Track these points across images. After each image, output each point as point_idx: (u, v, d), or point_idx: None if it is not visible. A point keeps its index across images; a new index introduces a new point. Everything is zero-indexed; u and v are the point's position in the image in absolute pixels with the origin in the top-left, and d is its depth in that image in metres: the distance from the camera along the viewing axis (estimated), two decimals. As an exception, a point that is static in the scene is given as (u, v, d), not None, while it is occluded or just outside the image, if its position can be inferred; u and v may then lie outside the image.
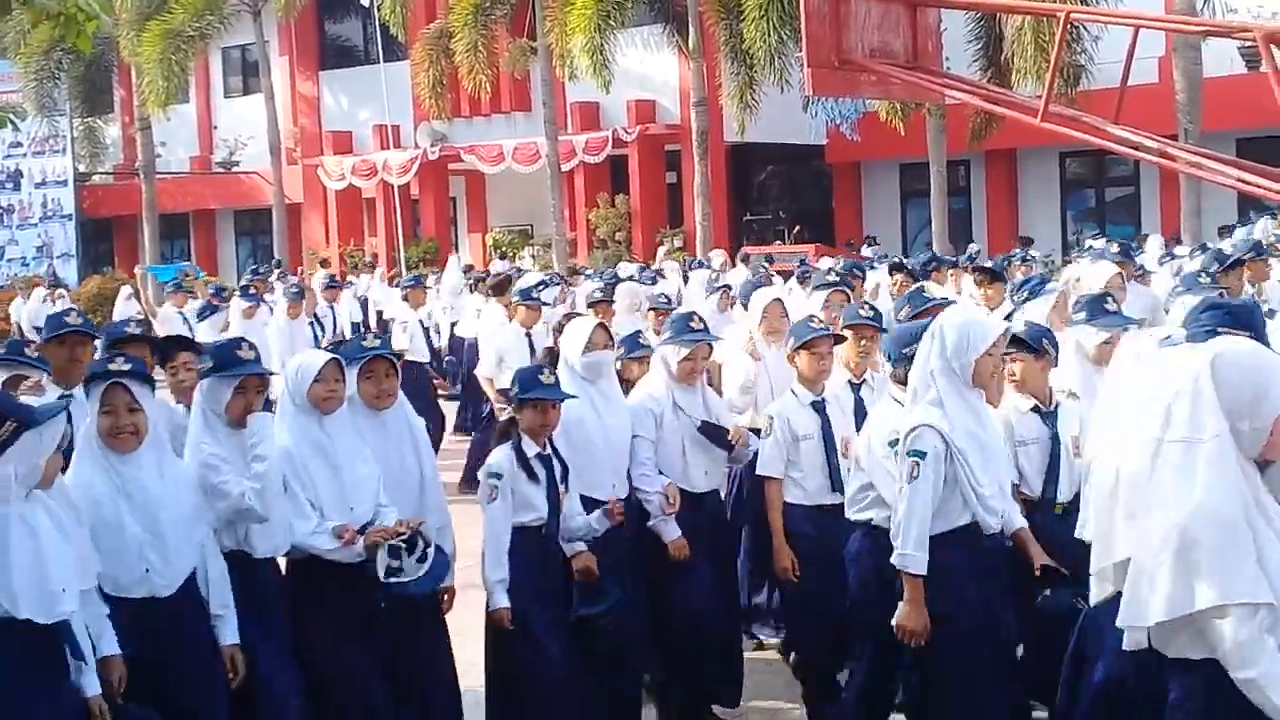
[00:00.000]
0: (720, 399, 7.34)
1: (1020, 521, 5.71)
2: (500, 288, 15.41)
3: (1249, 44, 18.36)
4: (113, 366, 5.18)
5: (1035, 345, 6.26)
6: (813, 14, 10.77)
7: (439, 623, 6.06)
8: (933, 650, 5.40)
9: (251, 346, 5.70)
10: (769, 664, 7.71)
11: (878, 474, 5.88)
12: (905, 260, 15.60)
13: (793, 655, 7.29)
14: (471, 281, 19.77)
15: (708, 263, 21.85)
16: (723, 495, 7.35)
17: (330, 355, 5.84)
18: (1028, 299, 8.37)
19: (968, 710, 5.41)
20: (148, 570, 5.11)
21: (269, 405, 6.07)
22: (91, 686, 4.66)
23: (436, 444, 10.96)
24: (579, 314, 8.23)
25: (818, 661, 6.90)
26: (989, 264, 13.55)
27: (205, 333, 14.64)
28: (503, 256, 30.66)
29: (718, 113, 28.94)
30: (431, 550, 5.62)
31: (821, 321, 7.08)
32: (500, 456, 6.06)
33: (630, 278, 16.76)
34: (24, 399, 6.46)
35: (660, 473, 6.74)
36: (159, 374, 6.57)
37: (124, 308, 24.80)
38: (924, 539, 5.33)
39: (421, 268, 28.65)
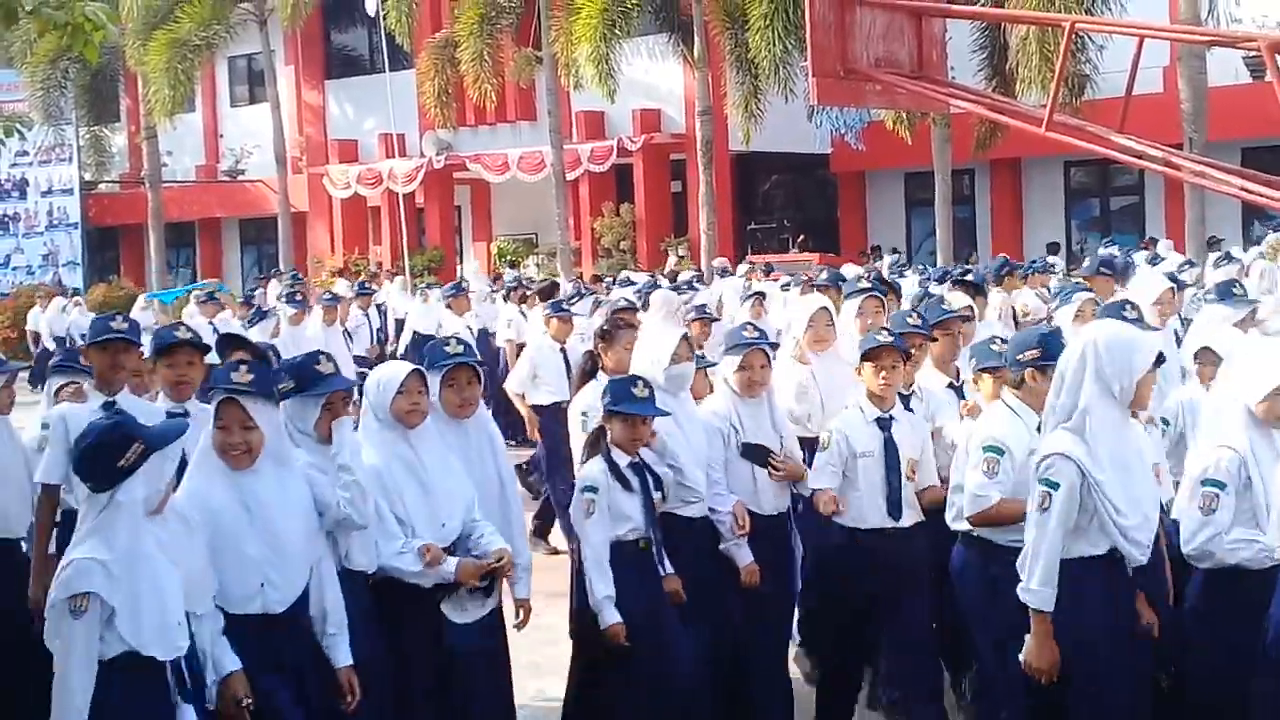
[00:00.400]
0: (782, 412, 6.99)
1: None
2: (547, 294, 15.33)
3: (1254, 54, 18.39)
4: (235, 376, 4.97)
5: None
6: (817, 23, 10.78)
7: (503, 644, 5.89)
8: (1063, 687, 5.10)
9: (330, 358, 5.53)
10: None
11: (966, 480, 5.65)
12: (957, 268, 15.35)
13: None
14: (504, 291, 19.53)
15: (722, 272, 21.77)
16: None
17: (412, 367, 5.62)
18: (1060, 307, 8.38)
19: None
20: (263, 585, 4.96)
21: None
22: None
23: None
24: (622, 319, 7.85)
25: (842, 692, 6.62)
26: (969, 277, 13.35)
27: (255, 339, 14.46)
28: (512, 265, 30.66)
29: (722, 122, 28.97)
30: (489, 603, 5.55)
31: (876, 331, 6.66)
32: (594, 469, 5.94)
33: (675, 287, 16.59)
34: (67, 405, 6.46)
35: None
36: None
37: (140, 317, 24.85)
38: (1051, 573, 4.99)
39: (426, 276, 28.65)
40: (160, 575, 4.35)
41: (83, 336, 24.72)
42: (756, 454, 6.51)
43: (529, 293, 18.11)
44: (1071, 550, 5.05)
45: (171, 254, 38.39)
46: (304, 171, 36.34)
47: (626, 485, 5.89)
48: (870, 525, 6.26)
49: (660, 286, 17.70)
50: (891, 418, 6.32)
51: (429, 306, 20.94)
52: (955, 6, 14.09)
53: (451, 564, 5.43)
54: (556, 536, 10.89)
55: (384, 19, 29.81)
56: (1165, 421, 6.54)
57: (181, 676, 4.45)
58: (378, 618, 5.42)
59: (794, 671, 7.08)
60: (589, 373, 7.27)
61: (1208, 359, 6.61)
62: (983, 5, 24.28)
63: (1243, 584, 5.21)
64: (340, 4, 35.32)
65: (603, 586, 5.83)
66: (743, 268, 22.08)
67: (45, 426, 6.48)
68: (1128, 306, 6.89)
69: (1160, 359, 5.14)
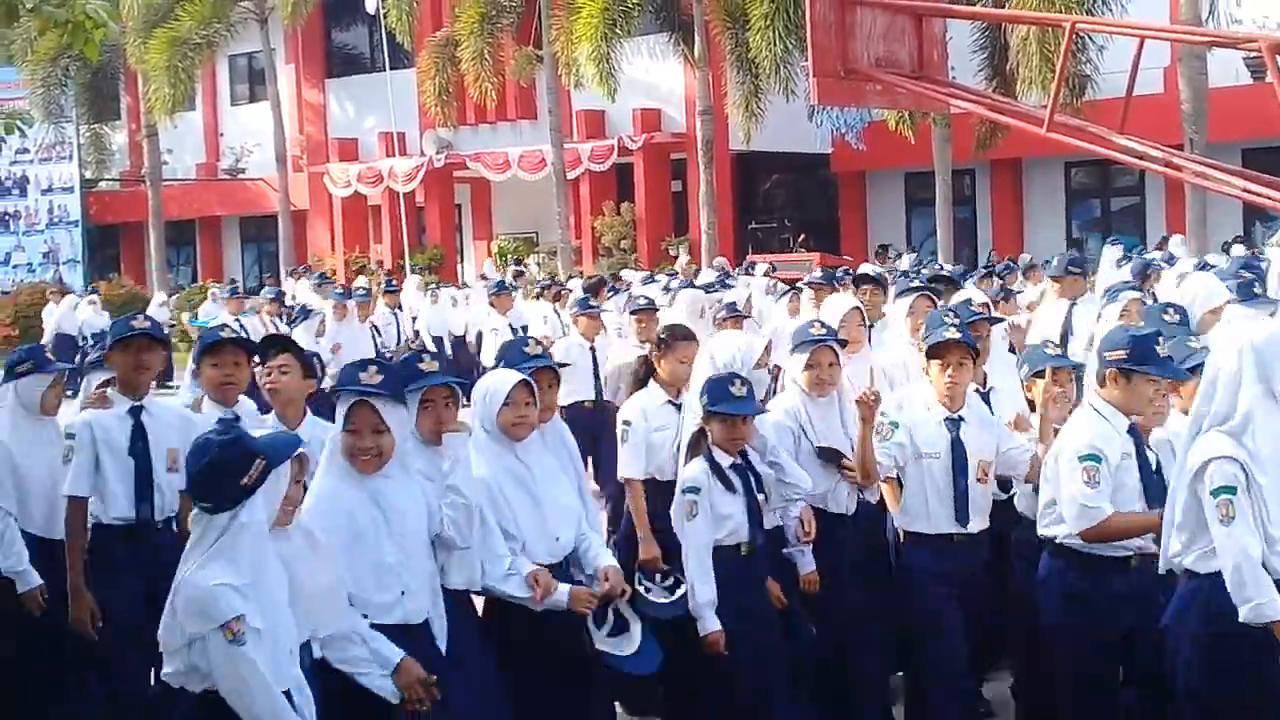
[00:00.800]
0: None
1: None
2: (594, 290, 15.25)
3: (1254, 55, 18.38)
4: (364, 377, 4.75)
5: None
6: (818, 23, 10.79)
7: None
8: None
9: (435, 357, 5.36)
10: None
11: (1062, 487, 5.36)
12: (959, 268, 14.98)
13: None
14: (539, 289, 19.39)
15: (748, 269, 21.66)
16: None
17: (520, 377, 5.31)
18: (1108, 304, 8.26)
19: None
20: (403, 593, 4.77)
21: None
22: None
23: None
24: (681, 328, 7.37)
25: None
26: (946, 272, 12.98)
27: (300, 337, 13.71)
28: (518, 263, 30.62)
29: (723, 121, 28.97)
30: (636, 630, 5.35)
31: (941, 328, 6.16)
32: (695, 470, 5.74)
33: (707, 286, 16.47)
34: (92, 412, 6.17)
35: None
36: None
37: (156, 313, 25.06)
38: (1259, 579, 4.61)
39: (427, 275, 28.66)
40: (280, 602, 4.08)
41: (98, 335, 24.86)
42: (831, 457, 6.32)
43: (564, 290, 18.10)
44: (1209, 565, 4.77)
45: (171, 252, 38.39)
46: (304, 170, 36.34)
47: (729, 486, 5.70)
48: (936, 530, 5.94)
49: (694, 285, 17.63)
50: (960, 418, 5.96)
51: (438, 306, 20.97)
52: (955, 7, 14.09)
53: (564, 592, 5.22)
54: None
55: (384, 17, 29.83)
56: None
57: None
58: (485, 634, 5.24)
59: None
60: (642, 379, 6.96)
61: None
62: (983, 5, 24.28)
63: None
64: (341, 2, 35.32)
65: (705, 591, 5.62)
66: (762, 266, 22.01)
67: (70, 435, 6.19)
68: (1169, 310, 6.69)
69: None
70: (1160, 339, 5.47)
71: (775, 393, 7.06)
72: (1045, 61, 23.14)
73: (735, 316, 10.94)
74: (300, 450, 4.12)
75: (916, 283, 9.68)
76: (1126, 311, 8.21)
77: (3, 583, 6.27)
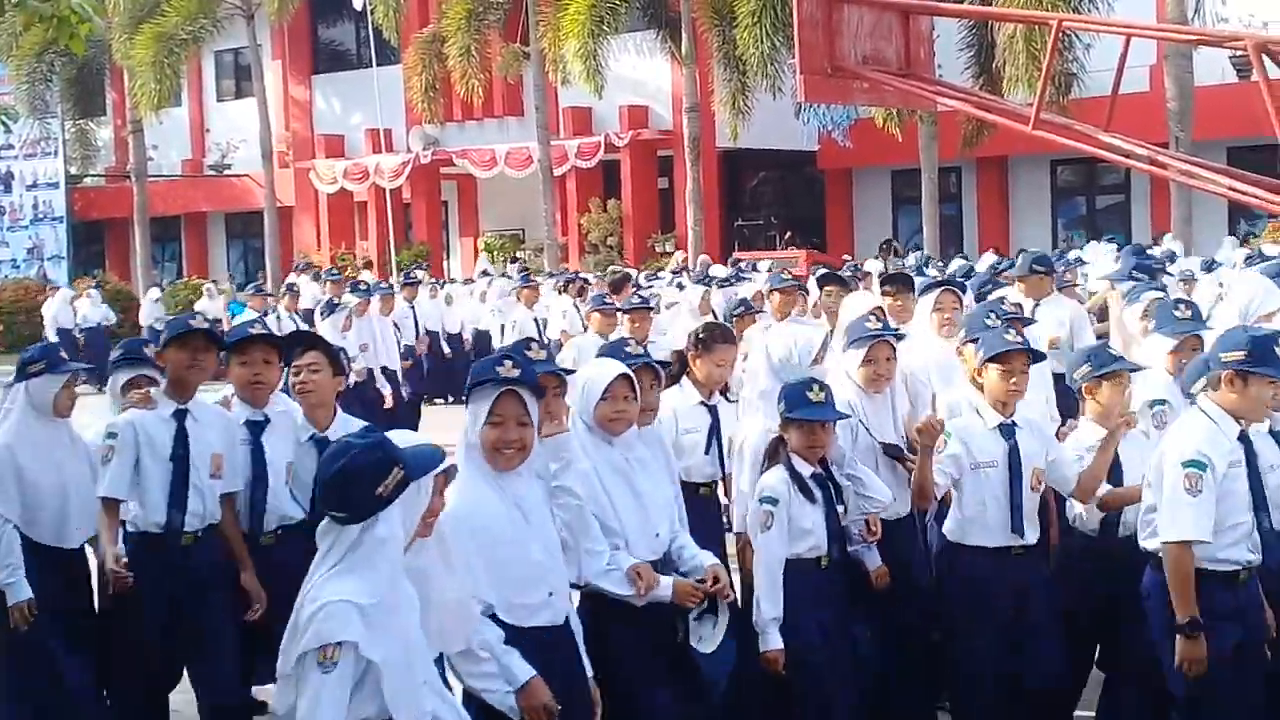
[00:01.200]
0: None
1: None
2: (617, 286, 15.20)
3: (1240, 53, 18.44)
4: (502, 370, 4.48)
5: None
6: (805, 21, 10.78)
7: None
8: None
9: (543, 346, 5.17)
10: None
11: (1165, 497, 5.12)
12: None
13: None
14: (560, 284, 19.33)
15: (751, 267, 21.67)
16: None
17: (620, 370, 5.09)
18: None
19: None
20: (551, 594, 4.57)
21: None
22: None
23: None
24: (722, 329, 7.15)
25: None
26: (901, 270, 12.66)
27: (326, 331, 13.65)
28: (513, 260, 30.53)
29: (710, 118, 28.98)
30: (721, 630, 5.12)
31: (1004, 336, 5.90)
32: (774, 479, 5.49)
33: (722, 280, 16.31)
34: (135, 413, 5.90)
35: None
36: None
37: (151, 310, 26.26)
38: None
39: (416, 273, 28.63)
40: (412, 625, 3.76)
41: (90, 330, 24.85)
42: (895, 454, 6.18)
43: (586, 285, 18.09)
44: None
45: (157, 248, 38.29)
46: (290, 166, 36.28)
47: (809, 497, 5.47)
48: (994, 544, 5.69)
49: (712, 279, 17.57)
50: (1015, 424, 5.75)
51: (436, 301, 20.98)
52: (942, 4, 14.10)
53: (667, 585, 5.02)
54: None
55: (371, 13, 29.80)
56: None
57: None
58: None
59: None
60: (674, 377, 6.61)
61: None
62: (970, 3, 24.33)
63: None
64: (328, -2, 35.32)
65: (770, 608, 5.41)
66: (765, 263, 22.02)
67: (111, 435, 5.89)
68: (1181, 306, 6.57)
69: None
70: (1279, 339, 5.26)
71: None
72: (1031, 59, 23.20)
73: (748, 312, 10.83)
74: (447, 464, 3.84)
75: (939, 277, 9.38)
76: (1148, 312, 7.90)
77: None
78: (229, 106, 38.73)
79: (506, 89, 32.06)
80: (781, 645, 5.38)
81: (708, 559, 5.21)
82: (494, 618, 4.41)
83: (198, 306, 26.48)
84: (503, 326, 19.31)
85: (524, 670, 4.33)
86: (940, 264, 20.14)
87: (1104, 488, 5.73)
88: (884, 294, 8.76)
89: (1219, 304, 8.65)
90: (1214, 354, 5.25)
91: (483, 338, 20.21)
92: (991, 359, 5.71)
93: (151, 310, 26.39)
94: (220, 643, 5.86)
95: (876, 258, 25.93)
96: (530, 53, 29.40)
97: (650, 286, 18.96)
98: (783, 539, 5.43)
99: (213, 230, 41.14)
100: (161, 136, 36.57)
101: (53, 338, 23.68)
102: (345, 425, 5.87)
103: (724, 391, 6.97)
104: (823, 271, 13.00)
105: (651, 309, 11.52)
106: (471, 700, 4.37)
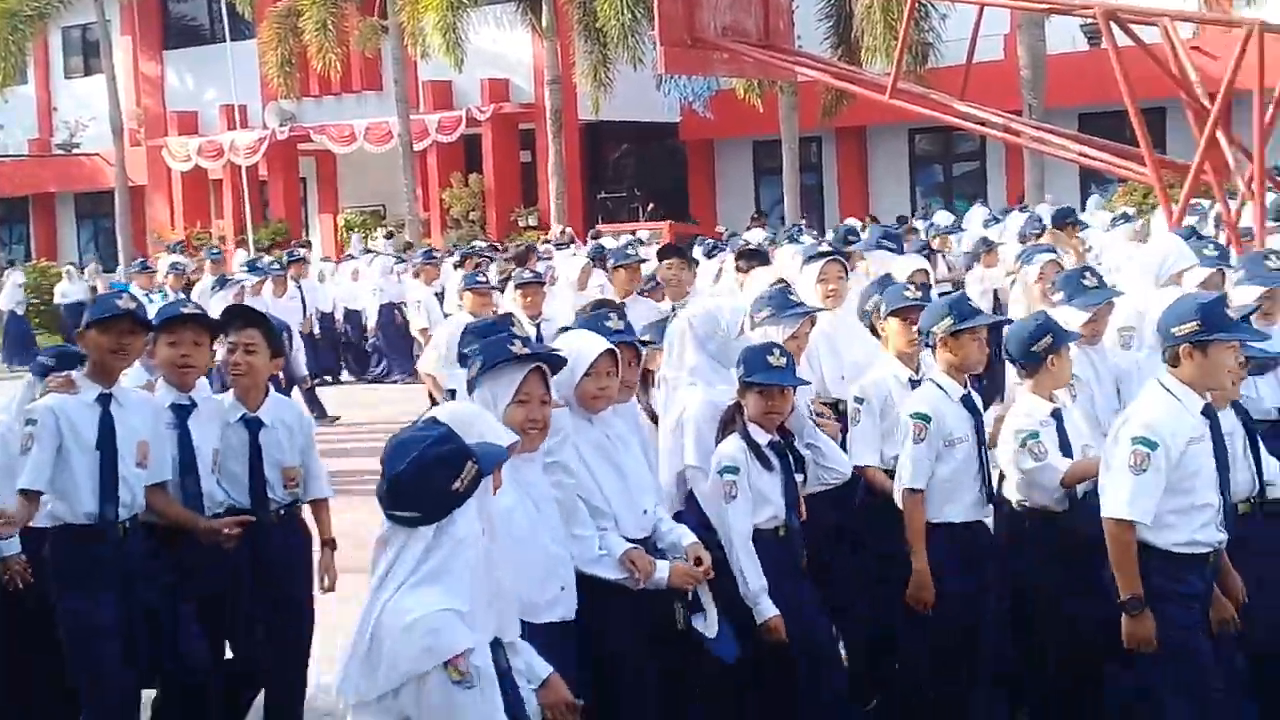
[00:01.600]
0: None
1: None
2: (522, 259, 15.08)
3: (1091, 21, 18.82)
4: (514, 349, 4.31)
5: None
6: (665, -8, 10.80)
7: None
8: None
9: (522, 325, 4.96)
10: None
11: (1112, 469, 4.94)
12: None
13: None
14: (459, 258, 18.72)
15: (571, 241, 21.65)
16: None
17: (606, 345, 4.85)
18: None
19: None
20: (563, 589, 4.44)
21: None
22: None
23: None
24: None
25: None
26: (753, 246, 12.51)
27: (217, 309, 13.50)
28: (388, 236, 30.00)
29: (571, 91, 28.91)
30: (713, 614, 4.99)
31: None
32: (731, 448, 5.29)
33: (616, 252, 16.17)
34: (56, 398, 5.41)
35: None
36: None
37: (71, 290, 25.40)
38: None
39: (276, 252, 28.18)
40: (489, 632, 3.54)
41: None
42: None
43: (486, 259, 17.95)
44: None
45: (4, 230, 37.28)
46: (142, 144, 35.52)
47: (767, 465, 5.30)
48: (965, 519, 5.57)
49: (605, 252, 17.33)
50: (971, 396, 5.63)
51: (334, 279, 20.83)
52: (800, -25, 14.22)
53: (664, 569, 4.89)
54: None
55: (223, -13, 29.22)
56: None
57: None
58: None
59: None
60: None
61: None
62: (827, -26, 24.56)
63: None
64: (177, -28, 34.60)
65: (755, 577, 5.22)
66: (643, 234, 21.98)
67: (31, 422, 5.39)
68: (1086, 274, 6.39)
69: None
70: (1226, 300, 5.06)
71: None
72: (889, 30, 23.47)
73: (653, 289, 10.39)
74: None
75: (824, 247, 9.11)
76: (1043, 274, 7.91)
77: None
78: (77, 84, 37.80)
79: (365, 63, 31.67)
80: (778, 611, 5.22)
81: (687, 536, 5.09)
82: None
83: (58, 289, 25.89)
84: (380, 307, 19.15)
85: (543, 667, 4.09)
86: (815, 232, 20.28)
87: (1063, 463, 5.51)
88: (738, 269, 8.67)
89: (1101, 264, 8.69)
90: (1163, 330, 4.98)
91: (354, 317, 19.96)
92: (960, 330, 5.55)
93: (13, 294, 25.69)
94: (179, 624, 5.51)
95: (749, 228, 26.08)
96: (389, 26, 29.07)
97: (549, 258, 18.90)
98: (747, 508, 5.27)
99: (61, 211, 40.11)
100: (7, 115, 35.56)
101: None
102: (277, 405, 5.69)
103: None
104: (663, 244, 12.89)
105: (543, 283, 11.27)
106: None
